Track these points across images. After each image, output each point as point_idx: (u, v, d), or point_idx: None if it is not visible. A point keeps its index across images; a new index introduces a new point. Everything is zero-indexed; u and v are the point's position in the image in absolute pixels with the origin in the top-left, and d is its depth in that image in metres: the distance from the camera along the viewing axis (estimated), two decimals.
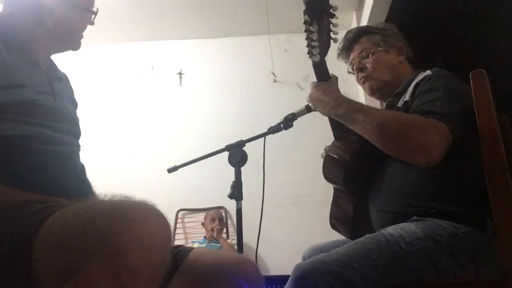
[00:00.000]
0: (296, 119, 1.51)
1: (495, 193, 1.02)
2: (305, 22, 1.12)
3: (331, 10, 1.13)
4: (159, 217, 0.68)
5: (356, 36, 1.53)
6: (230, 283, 0.93)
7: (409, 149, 1.14)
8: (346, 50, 1.56)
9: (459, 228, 1.10)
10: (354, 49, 1.54)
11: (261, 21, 3.30)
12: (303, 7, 1.16)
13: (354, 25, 3.61)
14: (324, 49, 1.18)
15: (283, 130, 1.54)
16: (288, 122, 1.52)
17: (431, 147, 1.10)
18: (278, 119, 1.56)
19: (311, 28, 1.12)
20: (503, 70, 2.98)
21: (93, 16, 1.14)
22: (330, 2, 1.16)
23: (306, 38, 1.16)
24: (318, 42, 1.15)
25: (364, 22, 3.29)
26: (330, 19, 1.14)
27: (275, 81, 3.75)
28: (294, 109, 1.49)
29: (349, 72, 1.60)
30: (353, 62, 1.54)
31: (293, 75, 3.62)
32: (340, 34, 1.22)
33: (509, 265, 0.98)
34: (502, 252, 1.00)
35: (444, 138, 1.11)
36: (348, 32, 1.56)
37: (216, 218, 3.28)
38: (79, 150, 1.12)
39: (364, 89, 1.54)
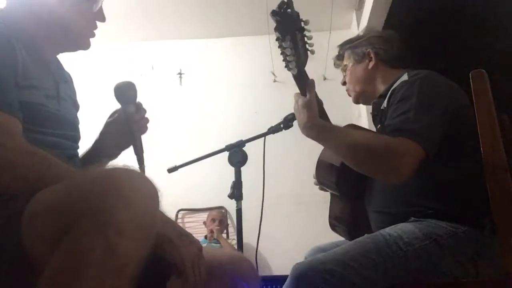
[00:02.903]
0: (296, 119, 1.51)
1: (495, 193, 1.02)
2: (277, 39, 1.13)
3: (303, 25, 1.13)
4: (143, 178, 0.70)
5: (340, 55, 1.61)
6: (226, 280, 0.93)
7: (380, 171, 1.18)
8: (339, 66, 1.65)
9: (457, 228, 1.10)
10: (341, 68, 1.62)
11: (261, 21, 3.28)
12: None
13: (354, 25, 3.61)
14: (301, 62, 1.19)
15: (283, 130, 1.55)
16: (288, 122, 1.53)
17: (401, 168, 1.12)
18: (278, 119, 1.56)
19: (284, 44, 1.13)
20: (503, 70, 2.98)
21: (96, 11, 1.11)
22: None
23: (281, 53, 1.17)
24: (294, 56, 1.16)
25: (364, 22, 3.29)
26: (304, 33, 1.15)
27: (275, 81, 3.75)
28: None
29: None
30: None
31: None
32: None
33: (509, 265, 0.98)
34: (502, 252, 1.00)
35: (413, 156, 1.12)
36: (335, 56, 1.64)
37: (217, 219, 3.28)
38: (78, 154, 1.13)
39: None
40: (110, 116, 1.19)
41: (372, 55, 1.48)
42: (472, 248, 1.10)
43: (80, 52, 1.14)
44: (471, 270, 1.09)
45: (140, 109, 1.15)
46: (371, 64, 1.48)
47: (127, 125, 1.13)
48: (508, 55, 3.24)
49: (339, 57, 1.61)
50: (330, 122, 1.33)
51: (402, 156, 1.12)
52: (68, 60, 1.19)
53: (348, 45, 1.57)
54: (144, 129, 1.16)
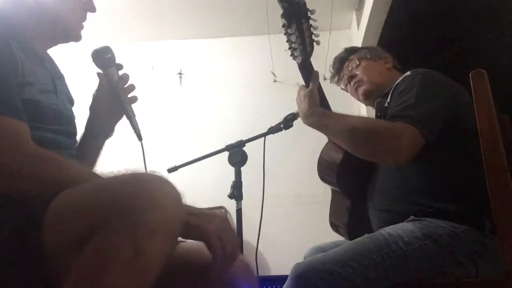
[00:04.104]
0: (296, 119, 1.52)
1: (495, 193, 1.02)
2: (283, 26, 1.15)
3: (308, 14, 1.14)
4: (169, 182, 0.72)
5: (345, 56, 1.59)
6: (225, 280, 0.92)
7: (377, 153, 1.19)
8: (338, 71, 1.61)
9: (457, 227, 1.11)
10: (343, 67, 1.58)
11: (261, 21, 3.29)
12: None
13: (354, 25, 3.61)
14: (306, 50, 1.20)
15: (283, 130, 1.55)
16: (288, 122, 1.53)
17: (398, 150, 1.14)
18: (278, 119, 1.56)
19: (289, 31, 1.16)
20: (503, 70, 2.98)
21: (85, 0, 1.11)
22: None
23: (287, 41, 1.19)
24: (298, 44, 1.17)
25: (364, 22, 3.29)
26: (310, 22, 1.16)
27: (275, 81, 3.74)
28: (294, 109, 1.49)
29: (342, 89, 1.64)
30: (344, 77, 1.57)
31: (293, 75, 3.58)
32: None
33: (509, 265, 0.98)
34: (502, 252, 1.00)
35: (411, 140, 1.14)
36: (337, 56, 1.62)
37: None
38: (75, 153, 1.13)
39: (358, 97, 1.56)
40: (96, 90, 1.19)
41: (389, 60, 1.52)
42: (472, 247, 1.10)
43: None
44: (471, 270, 1.10)
45: (123, 77, 1.15)
46: (388, 65, 1.51)
47: (112, 89, 1.13)
48: (508, 55, 3.24)
49: (342, 60, 1.59)
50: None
51: (400, 138, 1.13)
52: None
53: (360, 47, 1.60)
54: (134, 99, 1.16)
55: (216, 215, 0.88)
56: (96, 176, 0.88)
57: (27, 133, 0.87)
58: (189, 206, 0.88)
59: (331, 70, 1.63)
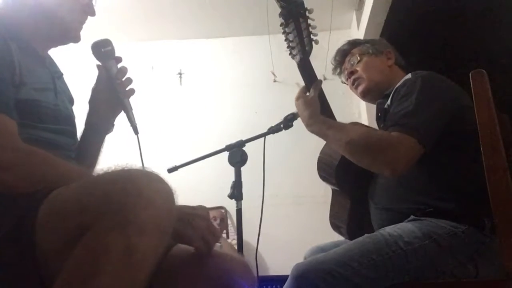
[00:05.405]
0: (296, 119, 1.51)
1: (495, 192, 1.02)
2: (281, 24, 1.16)
3: (306, 13, 1.15)
4: (159, 178, 0.71)
5: (347, 49, 1.58)
6: (224, 281, 0.92)
7: (376, 164, 1.20)
8: (339, 64, 1.60)
9: (456, 227, 1.11)
10: (345, 60, 1.57)
11: (261, 21, 3.29)
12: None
13: (354, 25, 3.61)
14: (304, 49, 1.20)
15: (283, 130, 1.55)
16: (288, 122, 1.53)
17: (396, 161, 1.14)
18: (278, 119, 1.56)
19: (287, 30, 1.17)
20: (503, 70, 2.98)
21: (85, 3, 1.11)
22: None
23: (285, 40, 1.19)
24: (297, 43, 1.17)
25: (364, 22, 3.29)
26: (308, 21, 1.16)
27: (275, 81, 3.74)
28: (294, 109, 1.49)
29: (343, 82, 1.63)
30: (345, 70, 1.57)
31: (293, 75, 3.57)
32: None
33: (509, 265, 0.98)
34: (502, 252, 1.00)
35: (409, 150, 1.14)
36: (339, 48, 1.61)
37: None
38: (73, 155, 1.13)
39: (356, 94, 1.56)
40: (95, 82, 1.20)
41: (391, 55, 1.51)
42: (472, 247, 1.10)
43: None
44: (471, 270, 1.10)
45: (121, 70, 1.14)
46: (390, 62, 1.50)
47: (110, 81, 1.13)
48: (508, 55, 3.25)
49: (345, 53, 1.58)
50: (334, 118, 1.37)
51: (397, 149, 1.14)
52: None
53: (364, 41, 1.59)
54: (130, 92, 1.16)
55: (196, 214, 0.88)
56: (87, 173, 0.88)
57: (15, 130, 0.87)
58: (178, 208, 0.88)
59: (333, 62, 1.63)
